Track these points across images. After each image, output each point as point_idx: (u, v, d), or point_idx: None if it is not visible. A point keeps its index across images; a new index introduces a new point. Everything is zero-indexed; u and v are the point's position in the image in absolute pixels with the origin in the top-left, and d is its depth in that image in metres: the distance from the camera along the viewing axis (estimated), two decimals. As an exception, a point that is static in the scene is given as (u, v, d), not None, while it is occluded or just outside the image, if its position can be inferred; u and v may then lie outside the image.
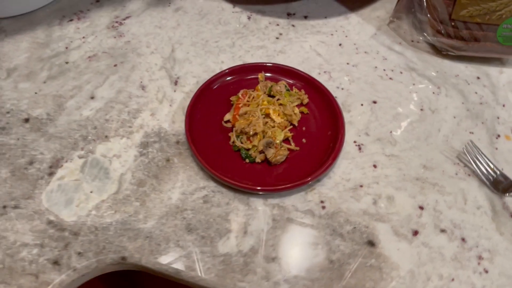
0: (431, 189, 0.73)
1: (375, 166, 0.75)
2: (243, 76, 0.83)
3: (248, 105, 0.77)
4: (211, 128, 0.77)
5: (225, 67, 0.87)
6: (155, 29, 0.94)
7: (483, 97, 0.85)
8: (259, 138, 0.74)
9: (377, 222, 0.69)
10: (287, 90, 0.81)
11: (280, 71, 0.84)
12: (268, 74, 0.84)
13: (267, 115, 0.77)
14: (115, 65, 0.87)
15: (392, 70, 0.88)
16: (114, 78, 0.85)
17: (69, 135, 0.77)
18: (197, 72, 0.86)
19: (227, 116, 0.78)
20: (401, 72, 0.88)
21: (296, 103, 0.79)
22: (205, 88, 0.80)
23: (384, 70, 0.88)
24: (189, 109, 0.77)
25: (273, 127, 0.75)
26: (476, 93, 0.85)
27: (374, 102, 0.83)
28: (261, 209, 0.70)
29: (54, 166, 0.74)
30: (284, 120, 0.77)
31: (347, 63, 0.89)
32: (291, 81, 0.83)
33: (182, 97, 0.82)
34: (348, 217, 0.69)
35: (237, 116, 0.76)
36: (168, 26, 0.94)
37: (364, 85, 0.85)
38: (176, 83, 0.85)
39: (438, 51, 0.91)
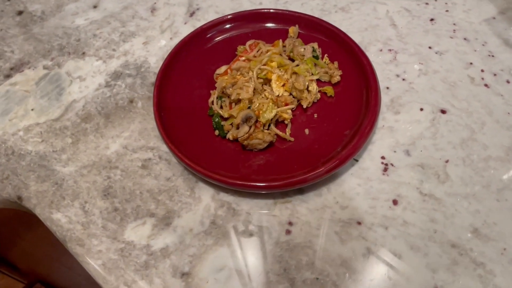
0: (468, 269, 0.44)
1: (395, 202, 0.48)
2: (265, 24, 0.61)
3: (251, 61, 0.55)
4: (196, 80, 0.58)
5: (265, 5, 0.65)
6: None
7: None
8: (241, 108, 0.52)
9: (354, 284, 0.44)
10: (315, 56, 0.56)
11: (317, 28, 0.59)
12: (301, 31, 0.60)
13: (267, 81, 0.54)
14: (138, -23, 0.71)
15: (495, 75, 0.56)
16: (129, -8, 0.70)
17: (48, 40, 0.65)
18: (223, 7, 0.66)
19: (222, 68, 0.57)
20: (508, 81, 0.56)
21: (316, 77, 0.55)
22: (198, 35, 0.60)
23: (482, 71, 0.57)
24: (175, 50, 0.58)
25: (267, 99, 0.52)
26: None
27: (443, 112, 0.54)
28: (204, 202, 0.49)
29: (15, 69, 0.62)
30: (288, 96, 0.53)
31: (429, 47, 0.60)
32: (331, 44, 0.58)
33: (190, 31, 0.64)
34: (315, 261, 0.45)
35: (228, 70, 0.55)
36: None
37: (439, 84, 0.56)
38: (192, 14, 0.66)
39: None
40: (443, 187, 0.48)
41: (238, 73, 0.53)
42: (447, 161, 0.50)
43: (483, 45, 0.59)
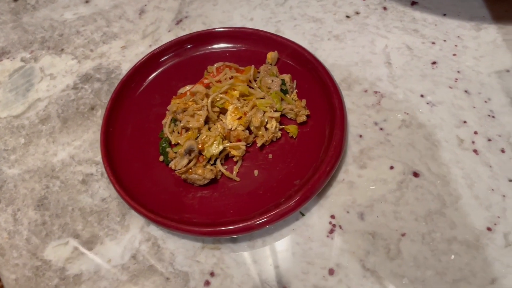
0: None
1: (331, 272, 0.42)
2: (245, 44, 0.56)
3: (213, 86, 0.51)
4: (159, 95, 0.54)
5: (250, 24, 0.60)
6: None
7: None
8: (189, 137, 0.48)
9: None
10: (284, 90, 0.50)
11: (295, 57, 0.53)
12: (282, 58, 0.55)
13: (224, 111, 0.49)
14: (137, -25, 0.68)
15: (489, 140, 0.48)
16: (123, -10, 0.67)
17: (34, 31, 0.64)
18: (212, 19, 0.62)
19: (186, 88, 0.53)
20: (502, 151, 0.47)
21: (278, 115, 0.49)
22: (183, 42, 0.56)
23: (476, 133, 0.49)
24: (144, 60, 0.55)
25: (217, 131, 0.48)
26: None
27: (415, 175, 0.47)
28: (132, 233, 0.46)
29: (-5, 58, 0.62)
30: (243, 131, 0.48)
31: (422, 95, 0.52)
32: (308, 79, 0.52)
33: (172, 36, 0.60)
34: None
35: (188, 93, 0.51)
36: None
37: (420, 140, 0.49)
38: (179, 22, 0.62)
39: None
40: (390, 265, 0.42)
41: (192, 99, 0.49)
42: (403, 235, 0.43)
43: (485, 101, 0.51)
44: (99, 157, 0.51)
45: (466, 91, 0.52)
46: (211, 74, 0.52)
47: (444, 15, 0.58)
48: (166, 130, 0.50)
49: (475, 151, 0.48)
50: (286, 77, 0.51)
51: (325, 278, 0.42)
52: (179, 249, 0.45)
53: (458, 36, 0.56)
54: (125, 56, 0.60)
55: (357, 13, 0.60)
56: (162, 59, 0.55)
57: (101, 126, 0.50)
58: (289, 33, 0.59)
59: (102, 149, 0.48)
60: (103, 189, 0.49)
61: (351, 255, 0.43)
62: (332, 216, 0.45)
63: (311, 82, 0.52)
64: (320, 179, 0.44)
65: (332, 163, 0.44)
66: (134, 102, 0.53)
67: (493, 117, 0.50)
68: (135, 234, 0.46)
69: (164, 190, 0.47)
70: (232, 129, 0.48)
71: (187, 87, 0.53)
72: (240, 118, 0.48)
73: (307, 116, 0.49)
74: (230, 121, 0.48)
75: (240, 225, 0.42)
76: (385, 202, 0.45)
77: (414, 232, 0.43)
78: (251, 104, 0.49)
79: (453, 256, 0.42)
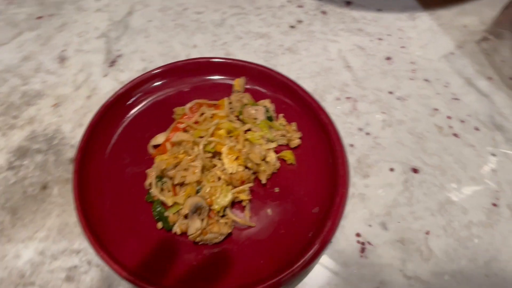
0: None
1: (379, 291, 0.41)
2: (205, 77, 0.51)
3: (194, 129, 0.45)
4: (127, 154, 0.47)
5: (195, 54, 0.55)
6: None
7: None
8: (189, 193, 0.42)
9: None
10: (269, 118, 0.48)
11: (266, 81, 0.50)
12: (248, 86, 0.51)
13: (216, 154, 0.45)
14: (40, 18, 0.58)
15: (463, 122, 0.52)
16: (29, 36, 0.56)
17: None
18: (151, 53, 0.55)
19: (158, 139, 0.47)
20: (476, 129, 0.51)
21: (274, 145, 0.46)
22: (130, 90, 0.49)
23: (449, 117, 0.52)
24: (97, 118, 0.46)
25: (219, 179, 0.43)
26: None
27: (415, 171, 0.48)
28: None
29: None
30: (244, 171, 0.44)
31: (390, 92, 0.54)
32: (284, 100, 0.50)
33: (111, 87, 0.52)
34: None
35: (167, 144, 0.45)
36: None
37: (406, 136, 0.50)
38: (113, 63, 0.54)
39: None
40: (428, 266, 0.43)
41: (181, 150, 0.43)
42: (427, 233, 0.44)
43: (445, 86, 0.54)
44: (77, 244, 0.43)
45: (426, 80, 0.55)
46: (185, 117, 0.46)
47: (379, 10, 0.60)
48: (156, 192, 0.43)
49: (455, 135, 0.51)
50: (266, 102, 0.48)
51: (376, 300, 0.41)
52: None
53: (399, 29, 0.59)
54: (62, 115, 0.50)
55: (300, 21, 0.59)
56: (126, 107, 0.48)
57: (74, 203, 0.41)
58: (239, 53, 0.55)
59: (85, 230, 0.40)
60: (98, 280, 0.41)
61: (390, 268, 0.42)
62: (358, 235, 0.44)
63: (288, 103, 0.49)
64: (341, 202, 0.42)
65: (345, 182, 0.43)
66: (103, 168, 0.45)
67: (457, 99, 0.53)
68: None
69: (177, 261, 0.41)
70: (234, 172, 0.43)
71: (159, 137, 0.47)
72: (237, 158, 0.44)
73: (300, 138, 0.47)
74: (229, 164, 0.43)
75: (285, 274, 0.38)
76: (399, 206, 0.46)
77: (436, 227, 0.45)
78: (242, 140, 0.45)
79: (476, 240, 0.44)
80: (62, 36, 0.56)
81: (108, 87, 0.52)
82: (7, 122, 0.50)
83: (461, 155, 0.49)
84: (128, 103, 0.48)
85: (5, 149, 0.48)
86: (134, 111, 0.49)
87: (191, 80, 0.51)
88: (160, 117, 0.48)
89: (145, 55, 0.55)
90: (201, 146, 0.43)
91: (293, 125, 0.47)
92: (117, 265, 0.38)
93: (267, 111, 0.47)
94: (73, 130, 0.49)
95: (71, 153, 0.48)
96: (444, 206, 0.46)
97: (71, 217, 0.44)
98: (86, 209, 0.41)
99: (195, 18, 0.59)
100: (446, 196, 0.46)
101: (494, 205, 0.46)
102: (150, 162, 0.46)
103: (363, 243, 0.44)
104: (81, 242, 0.43)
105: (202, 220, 0.41)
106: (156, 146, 0.47)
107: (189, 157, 0.42)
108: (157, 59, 0.55)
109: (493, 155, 0.49)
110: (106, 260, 0.39)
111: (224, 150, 0.44)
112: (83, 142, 0.44)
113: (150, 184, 0.44)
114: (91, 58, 0.55)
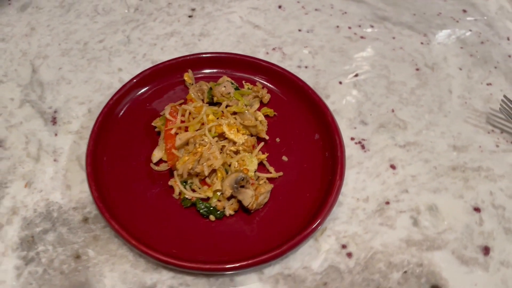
0: (477, 178, 0.50)
1: (393, 166, 0.51)
2: (162, 83, 0.53)
3: (186, 129, 0.48)
4: (135, 180, 0.47)
5: (126, 76, 0.56)
6: (-5, 44, 0.59)
7: (480, 34, 0.64)
8: (221, 177, 0.45)
9: (431, 252, 0.45)
10: (236, 88, 0.52)
11: (215, 62, 0.55)
12: (204, 71, 0.55)
13: (221, 136, 0.48)
14: None
15: (359, 26, 0.64)
16: None
17: None
18: (85, 94, 0.54)
19: (157, 154, 0.48)
20: (371, 26, 0.64)
21: (256, 105, 0.52)
22: (107, 116, 0.49)
23: (350, 27, 0.63)
24: (90, 157, 0.45)
25: (237, 152, 0.47)
26: (470, 30, 0.65)
27: (355, 75, 0.58)
28: (259, 291, 0.42)
29: None
30: (248, 136, 0.48)
31: (299, 30, 0.63)
32: (237, 74, 0.55)
33: (72, 141, 0.50)
34: (390, 258, 0.45)
35: (174, 151, 0.46)
36: (16, 35, 0.59)
37: (332, 55, 0.60)
38: (54, 121, 0.52)
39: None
40: (409, 131, 0.53)
41: (197, 145, 0.45)
42: (392, 111, 0.55)
43: (331, 7, 0.65)
44: (149, 280, 0.42)
45: (316, 10, 0.65)
46: (169, 123, 0.48)
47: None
48: (191, 194, 0.45)
49: (362, 37, 0.62)
50: (225, 78, 0.52)
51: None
52: (304, 258, 0.44)
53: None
54: (42, 190, 0.47)
55: (193, 9, 0.64)
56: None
57: (113, 228, 0.40)
58: (163, 57, 0.58)
59: (150, 254, 0.40)
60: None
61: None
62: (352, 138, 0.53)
63: (242, 72, 0.55)
64: (337, 131, 0.49)
65: (324, 104, 0.51)
66: (114, 192, 0.45)
67: (346, 12, 0.65)
68: (264, 289, 0.42)
69: (231, 243, 0.44)
70: (243, 141, 0.47)
71: (157, 153, 0.48)
72: (238, 130, 0.48)
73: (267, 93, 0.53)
74: (236, 137, 0.47)
75: (332, 193, 0.45)
76: (363, 102, 0.55)
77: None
78: (230, 115, 0.49)
79: (423, 97, 0.56)
80: (-19, 122, 0.51)
81: (66, 141, 0.50)
82: (-11, 225, 0.44)
83: (376, 49, 0.61)
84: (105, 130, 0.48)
85: (8, 251, 0.43)
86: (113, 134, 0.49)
87: (146, 92, 0.52)
88: (137, 136, 0.50)
89: (81, 98, 0.54)
90: (207, 133, 0.46)
91: (258, 85, 0.53)
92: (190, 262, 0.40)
93: (232, 83, 0.52)
94: (63, 195, 0.47)
95: (78, 214, 0.45)
96: (389, 87, 0.57)
97: (126, 263, 0.43)
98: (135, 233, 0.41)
99: (101, 47, 0.58)
100: (385, 80, 0.58)
101: (418, 69, 0.59)
102: (160, 178, 0.47)
103: (359, 142, 0.52)
104: (152, 276, 0.42)
105: (250, 187, 0.44)
106: (156, 163, 0.48)
107: (206, 147, 0.45)
108: (95, 96, 0.54)
109: (394, 38, 0.62)
110: (184, 266, 0.40)
111: (225, 128, 0.47)
112: (93, 185, 0.43)
113: (180, 193, 0.45)
114: (30, 126, 0.51)
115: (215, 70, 0.55)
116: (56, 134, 0.51)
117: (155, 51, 0.59)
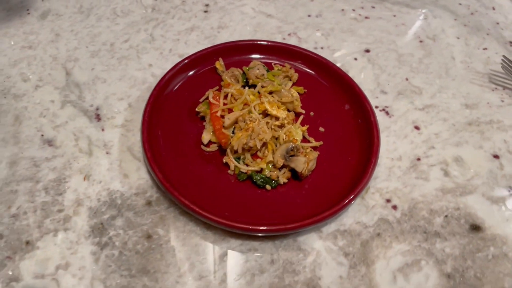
0: (490, 130, 0.56)
1: (417, 127, 0.56)
2: (196, 72, 0.57)
3: (229, 110, 0.51)
4: (189, 162, 0.50)
5: (157, 71, 0.59)
6: (23, 52, 0.60)
7: (469, 6, 0.71)
8: (271, 149, 0.49)
9: (464, 197, 0.50)
10: (267, 70, 0.56)
11: (246, 49, 0.59)
12: (234, 58, 0.58)
13: (263, 113, 0.52)
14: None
15: (362, 8, 0.69)
16: (-7, 144, 0.51)
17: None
18: (122, 90, 0.57)
19: (206, 137, 0.51)
20: (373, 7, 0.69)
21: (290, 83, 0.56)
22: (151, 111, 0.51)
23: (354, 10, 0.69)
24: (146, 144, 0.48)
25: (281, 126, 0.51)
26: (460, 4, 0.71)
27: (367, 51, 0.63)
28: (322, 250, 0.46)
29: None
30: (288, 113, 0.52)
31: (309, 16, 0.67)
32: (263, 59, 0.59)
33: (119, 134, 0.53)
34: (430, 206, 0.50)
35: (224, 131, 0.50)
36: (42, 42, 0.61)
37: (343, 35, 0.65)
38: (98, 117, 0.54)
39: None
40: (424, 96, 0.59)
41: (248, 120, 0.49)
42: (407, 79, 0.60)
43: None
44: (224, 244, 0.45)
45: None
46: (213, 106, 0.51)
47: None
48: (245, 168, 0.48)
49: (367, 17, 0.67)
50: (256, 62, 0.56)
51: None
52: (356, 215, 0.48)
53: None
54: (101, 181, 0.49)
55: (207, 5, 0.67)
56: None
57: (181, 204, 0.44)
58: (189, 50, 0.61)
59: (224, 223, 0.43)
60: (264, 256, 0.45)
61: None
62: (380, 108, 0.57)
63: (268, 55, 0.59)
64: (361, 91, 0.54)
65: (349, 77, 0.55)
66: (173, 174, 0.47)
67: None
68: (326, 247, 0.46)
69: (289, 207, 0.48)
70: (285, 116, 0.51)
71: (206, 135, 0.51)
72: (278, 107, 0.52)
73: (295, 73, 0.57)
74: (278, 113, 0.51)
75: (373, 154, 0.49)
76: (377, 74, 0.60)
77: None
78: (267, 94, 0.53)
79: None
80: (26, 125, 0.52)
81: (114, 134, 0.52)
82: (57, 218, 0.46)
83: (381, 27, 0.66)
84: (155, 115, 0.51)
85: (82, 238, 0.45)
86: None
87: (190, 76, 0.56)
88: (183, 119, 0.53)
89: (119, 95, 0.56)
90: (254, 111, 0.49)
91: (287, 65, 0.57)
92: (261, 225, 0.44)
93: (263, 66, 0.55)
94: (123, 183, 0.49)
95: (141, 198, 0.48)
96: (400, 59, 0.62)
97: (196, 237, 0.46)
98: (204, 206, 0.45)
99: (127, 46, 0.61)
100: (395, 53, 0.63)
101: (421, 41, 0.65)
102: (212, 158, 0.50)
103: (383, 109, 0.57)
104: (222, 246, 0.45)
105: (301, 154, 0.48)
106: (207, 144, 0.51)
107: (255, 123, 0.48)
108: (132, 92, 0.56)
109: (395, 16, 0.68)
110: (258, 230, 0.43)
111: (267, 106, 0.51)
112: (154, 167, 0.46)
113: (235, 168, 0.49)
114: (76, 124, 0.53)
115: (243, 57, 0.58)
116: (103, 129, 0.53)
117: (179, 45, 0.62)
